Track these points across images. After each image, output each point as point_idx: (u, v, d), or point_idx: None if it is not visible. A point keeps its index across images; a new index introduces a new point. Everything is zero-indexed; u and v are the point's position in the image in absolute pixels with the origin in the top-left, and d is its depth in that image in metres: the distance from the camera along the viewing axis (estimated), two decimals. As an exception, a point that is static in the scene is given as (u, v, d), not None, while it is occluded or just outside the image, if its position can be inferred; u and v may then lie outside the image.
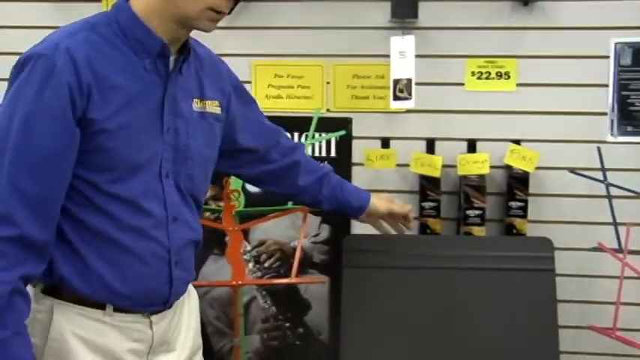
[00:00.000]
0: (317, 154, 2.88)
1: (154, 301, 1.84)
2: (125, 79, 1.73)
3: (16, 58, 1.68)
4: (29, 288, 1.71)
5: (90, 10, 2.66)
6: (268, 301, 2.94)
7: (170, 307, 1.90)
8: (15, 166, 1.63)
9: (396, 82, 2.73)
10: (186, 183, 1.86)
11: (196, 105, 1.89)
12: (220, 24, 1.81)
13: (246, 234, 2.88)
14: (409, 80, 2.72)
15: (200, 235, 1.95)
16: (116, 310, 1.79)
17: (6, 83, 1.67)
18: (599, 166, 2.62)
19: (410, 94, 2.72)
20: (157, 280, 1.82)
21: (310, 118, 2.78)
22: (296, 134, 2.82)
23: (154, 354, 1.88)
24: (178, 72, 1.84)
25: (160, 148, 1.79)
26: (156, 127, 1.78)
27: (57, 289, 1.77)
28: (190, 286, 2.03)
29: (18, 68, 1.68)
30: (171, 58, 1.82)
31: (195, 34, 1.83)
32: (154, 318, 1.85)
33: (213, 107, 1.95)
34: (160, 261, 1.81)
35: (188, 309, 2.01)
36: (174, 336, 1.94)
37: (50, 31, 1.74)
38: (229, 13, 1.80)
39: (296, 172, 2.25)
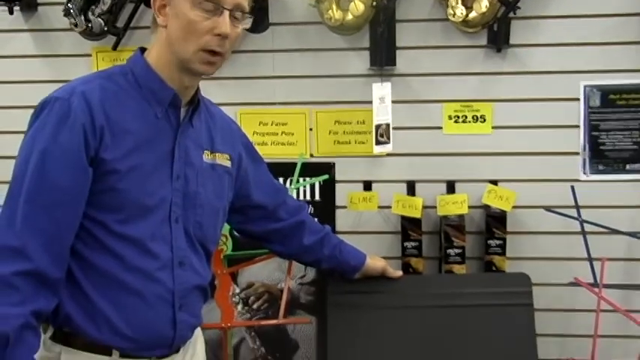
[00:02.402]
0: (302, 197, 2.92)
1: (158, 344, 1.87)
2: (137, 125, 1.80)
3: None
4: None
5: (80, 65, 2.69)
6: (257, 342, 2.96)
7: (177, 351, 1.93)
8: (30, 204, 1.68)
9: (377, 127, 2.80)
10: (196, 230, 1.91)
11: (207, 156, 1.96)
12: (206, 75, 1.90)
13: (234, 277, 2.92)
14: (388, 125, 2.79)
15: (206, 282, 1.98)
16: (122, 355, 1.82)
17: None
18: (573, 203, 2.69)
19: (389, 138, 2.80)
20: (160, 322, 1.85)
21: (295, 164, 2.82)
22: (281, 179, 2.86)
23: None
24: (189, 122, 1.90)
25: (169, 193, 1.84)
26: (166, 173, 1.84)
27: (65, 336, 1.80)
28: (198, 331, 2.06)
29: (37, 112, 1.75)
30: (182, 109, 1.89)
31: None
32: None
33: (223, 160, 2.01)
34: (164, 303, 1.85)
35: (195, 353, 2.04)
36: None
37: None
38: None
39: (301, 232, 2.32)
